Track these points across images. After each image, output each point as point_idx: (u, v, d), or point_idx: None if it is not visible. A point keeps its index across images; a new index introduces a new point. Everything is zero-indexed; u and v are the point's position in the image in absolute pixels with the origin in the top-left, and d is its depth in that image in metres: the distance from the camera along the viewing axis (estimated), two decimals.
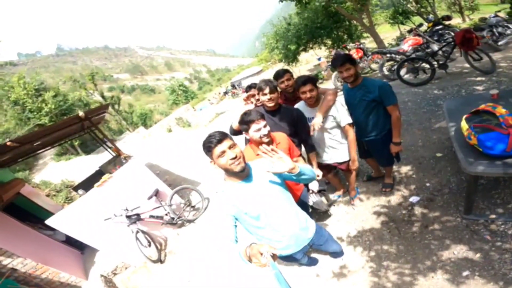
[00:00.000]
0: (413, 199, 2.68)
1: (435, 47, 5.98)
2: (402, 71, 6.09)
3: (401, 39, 9.67)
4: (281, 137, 2.04)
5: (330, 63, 10.80)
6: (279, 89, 2.83)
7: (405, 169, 3.16)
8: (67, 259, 4.34)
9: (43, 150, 6.08)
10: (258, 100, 2.52)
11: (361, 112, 2.48)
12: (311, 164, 2.49)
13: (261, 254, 1.11)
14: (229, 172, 1.45)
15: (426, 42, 6.30)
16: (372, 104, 2.40)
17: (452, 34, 6.35)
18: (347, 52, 8.79)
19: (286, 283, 1.22)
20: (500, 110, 1.93)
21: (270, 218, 1.51)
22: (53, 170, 15.26)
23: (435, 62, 5.60)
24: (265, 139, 1.87)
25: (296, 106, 2.54)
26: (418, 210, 2.55)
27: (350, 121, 2.41)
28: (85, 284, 3.79)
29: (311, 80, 2.29)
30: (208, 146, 1.37)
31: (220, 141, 1.36)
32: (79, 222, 3.62)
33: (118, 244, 3.83)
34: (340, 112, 2.38)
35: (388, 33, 22.04)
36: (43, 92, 21.17)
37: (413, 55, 6.01)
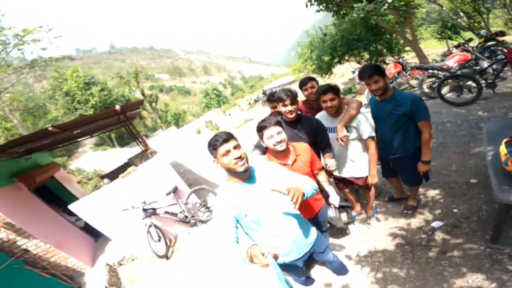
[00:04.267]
0: (436, 224, 2.46)
1: (485, 64, 5.51)
2: (444, 89, 5.64)
3: (446, 54, 9.06)
4: (303, 148, 1.96)
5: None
6: (303, 97, 2.82)
7: (432, 193, 2.91)
8: (80, 245, 4.41)
9: (82, 139, 6.56)
10: (276, 110, 2.49)
11: (390, 127, 2.32)
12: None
13: (263, 254, 1.11)
14: (231, 173, 1.45)
15: (475, 58, 5.86)
16: (402, 119, 2.24)
17: (505, 50, 5.77)
18: (387, 65, 8.45)
19: (287, 283, 1.21)
20: None
21: (270, 223, 1.50)
22: (89, 158, 16.41)
23: (483, 81, 5.13)
24: (279, 147, 1.81)
25: (317, 115, 2.48)
26: (439, 236, 2.35)
27: (373, 134, 2.29)
28: (89, 271, 3.87)
29: (332, 89, 2.21)
30: (214, 144, 1.39)
31: (226, 141, 1.38)
32: (98, 210, 3.78)
33: (130, 236, 3.94)
34: (363, 124, 2.26)
35: (433, 49, 20.88)
36: (92, 86, 23.19)
37: (459, 72, 5.61)
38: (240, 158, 1.38)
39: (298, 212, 1.57)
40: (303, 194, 1.37)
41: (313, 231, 1.75)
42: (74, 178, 10.07)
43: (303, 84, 2.65)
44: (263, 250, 1.12)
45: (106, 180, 4.44)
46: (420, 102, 2.18)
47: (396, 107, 2.23)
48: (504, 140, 1.92)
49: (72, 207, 3.70)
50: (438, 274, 2.02)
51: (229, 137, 1.40)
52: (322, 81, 16.58)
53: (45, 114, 24.83)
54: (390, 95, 2.28)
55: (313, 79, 2.67)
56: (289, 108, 2.11)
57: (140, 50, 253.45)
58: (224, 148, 1.37)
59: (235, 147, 1.39)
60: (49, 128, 3.86)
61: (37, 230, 3.58)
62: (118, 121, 6.15)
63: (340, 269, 2.12)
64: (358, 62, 11.88)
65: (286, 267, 1.77)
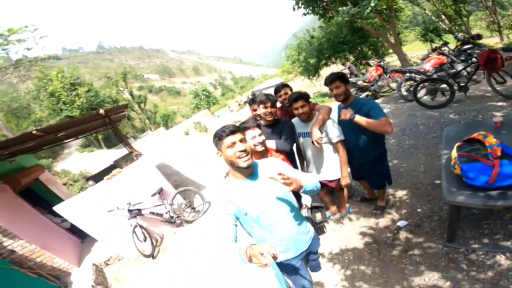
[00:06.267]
0: (401, 223, 2.63)
1: (459, 67, 5.61)
2: (420, 92, 5.78)
3: (424, 58, 9.32)
4: (277, 154, 2.12)
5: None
6: (278, 104, 2.96)
7: (400, 193, 3.10)
8: (66, 246, 4.45)
9: (67, 141, 6.53)
10: (256, 113, 2.62)
11: (352, 132, 2.46)
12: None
13: (262, 254, 1.10)
14: (234, 167, 1.43)
15: (451, 62, 5.95)
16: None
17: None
18: (370, 68, 8.64)
19: (286, 283, 1.22)
20: (490, 140, 1.88)
21: (270, 220, 1.48)
22: (75, 160, 16.06)
23: (456, 84, 5.27)
24: (259, 148, 1.94)
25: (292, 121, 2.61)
26: (403, 235, 2.51)
27: (342, 138, 2.41)
28: (76, 271, 3.91)
29: (302, 96, 2.34)
30: (220, 134, 1.38)
31: (233, 132, 1.37)
32: (84, 211, 3.84)
33: (116, 236, 4.00)
34: (331, 129, 2.40)
35: (418, 51, 21.29)
36: (78, 87, 22.73)
37: (434, 75, 5.72)
38: (245, 151, 1.37)
39: (291, 193, 1.56)
40: (301, 186, 1.40)
41: (311, 230, 1.74)
42: (60, 180, 9.91)
43: (277, 91, 2.77)
44: (262, 250, 1.10)
45: (91, 182, 4.49)
46: (375, 105, 2.32)
47: (356, 113, 2.35)
48: (457, 145, 2.08)
49: (56, 208, 3.75)
50: (400, 272, 2.16)
51: (236, 129, 1.39)
52: (309, 83, 16.76)
53: (29, 115, 24.22)
54: (352, 101, 2.43)
55: (287, 85, 2.80)
56: (269, 110, 2.32)
57: (129, 49, 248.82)
58: (230, 140, 1.35)
59: (241, 140, 1.38)
60: (33, 132, 3.89)
61: (23, 231, 3.62)
62: (103, 124, 6.15)
63: (316, 266, 2.24)
64: (343, 64, 12.09)
65: (283, 269, 1.67)
